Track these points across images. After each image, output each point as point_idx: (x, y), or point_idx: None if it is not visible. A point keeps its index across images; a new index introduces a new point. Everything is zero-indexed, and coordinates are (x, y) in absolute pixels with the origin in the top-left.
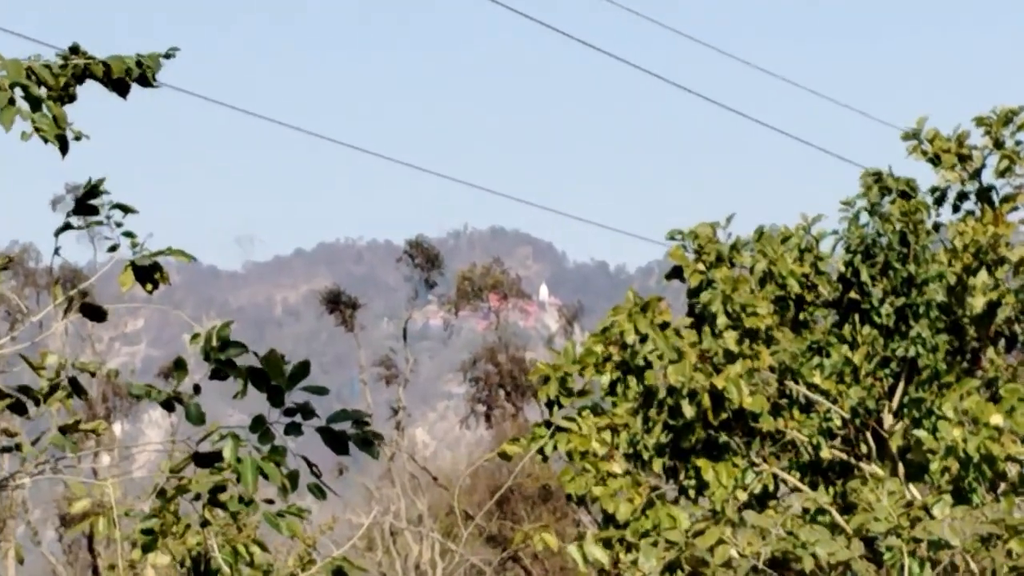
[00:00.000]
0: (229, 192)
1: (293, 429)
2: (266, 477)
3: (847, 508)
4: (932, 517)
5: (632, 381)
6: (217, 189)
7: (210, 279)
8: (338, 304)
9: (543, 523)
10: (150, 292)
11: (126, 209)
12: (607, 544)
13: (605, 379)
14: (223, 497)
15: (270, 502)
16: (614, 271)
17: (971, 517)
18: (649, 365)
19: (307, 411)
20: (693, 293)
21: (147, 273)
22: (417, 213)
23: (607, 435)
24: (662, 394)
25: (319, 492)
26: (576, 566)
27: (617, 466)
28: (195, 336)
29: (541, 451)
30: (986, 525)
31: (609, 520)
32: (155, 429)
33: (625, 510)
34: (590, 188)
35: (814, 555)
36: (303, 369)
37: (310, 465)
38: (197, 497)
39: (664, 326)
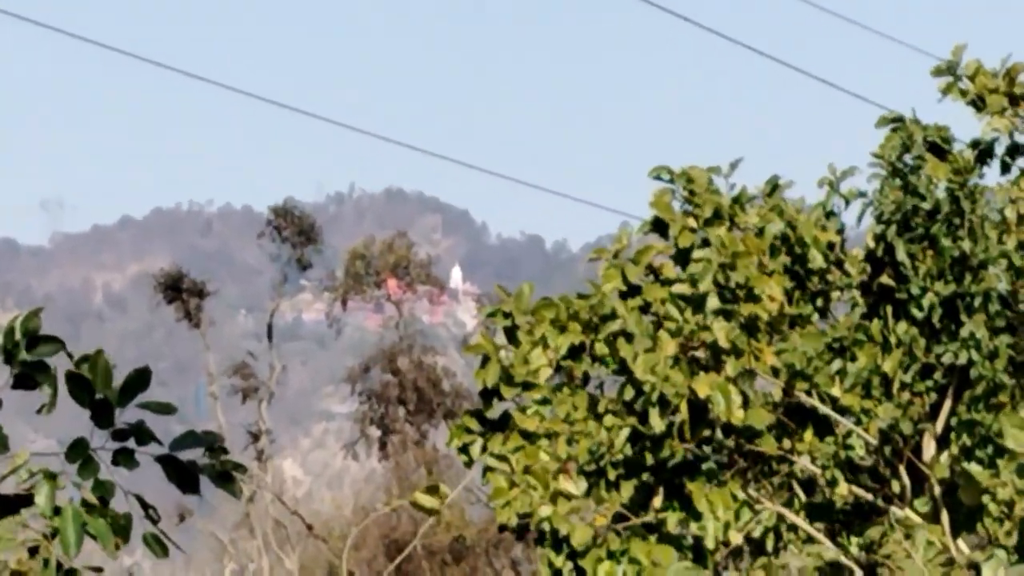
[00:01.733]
0: (31, 143)
1: (125, 458)
2: (93, 537)
3: (871, 568)
4: None
5: (600, 346)
6: (15, 138)
7: (7, 256)
8: (180, 291)
9: None
10: None
11: None
12: None
13: (564, 343)
14: (24, 567)
15: (98, 571)
16: (552, 249)
17: None
18: (613, 336)
19: (143, 433)
20: (681, 258)
21: None
22: (287, 170)
23: (560, 445)
24: (628, 395)
25: (158, 546)
26: None
27: (573, 486)
28: None
29: (466, 452)
30: None
31: (560, 546)
32: None
33: (584, 534)
34: (519, 140)
35: None
36: (141, 378)
37: (145, 508)
38: None
39: (663, 282)
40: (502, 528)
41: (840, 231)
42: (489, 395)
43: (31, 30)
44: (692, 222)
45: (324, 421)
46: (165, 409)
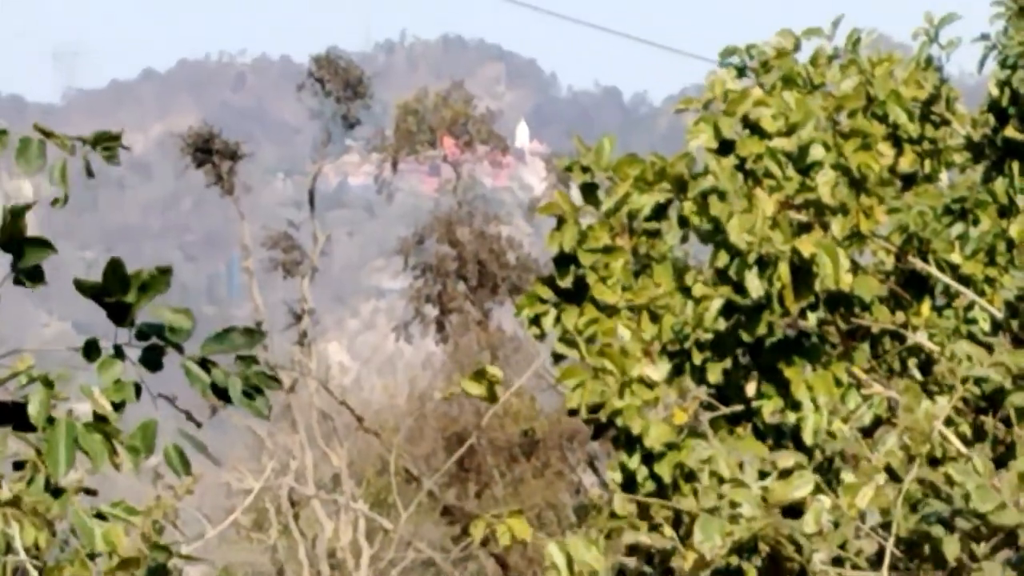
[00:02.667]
0: None
1: (150, 360)
2: (88, 456)
3: (1001, 461)
4: None
5: (689, 206)
6: None
7: (12, 115)
8: (210, 152)
9: (517, 504)
10: None
11: None
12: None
13: (648, 203)
14: (14, 485)
15: (91, 492)
16: (630, 102)
17: None
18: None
19: (178, 331)
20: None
21: None
22: (329, 15)
23: (643, 321)
24: (722, 261)
25: (181, 463)
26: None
27: (654, 370)
28: None
29: (537, 324)
30: None
31: (633, 446)
32: None
33: (660, 433)
34: None
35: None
36: (160, 279)
37: (184, 412)
38: None
39: (755, 130)
40: (571, 412)
41: (940, 85)
42: (565, 261)
43: None
44: (757, 92)
45: (374, 299)
46: (182, 317)
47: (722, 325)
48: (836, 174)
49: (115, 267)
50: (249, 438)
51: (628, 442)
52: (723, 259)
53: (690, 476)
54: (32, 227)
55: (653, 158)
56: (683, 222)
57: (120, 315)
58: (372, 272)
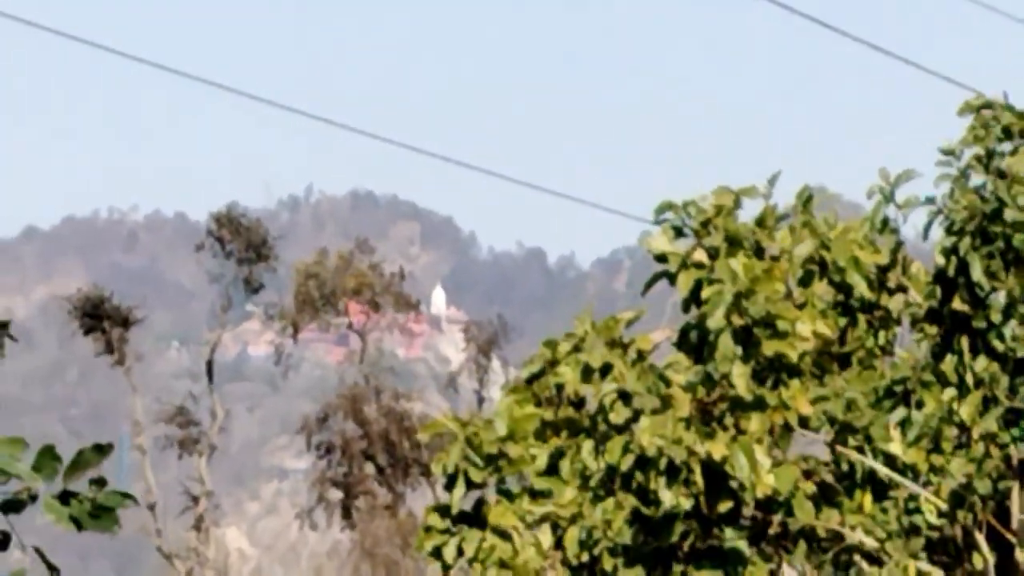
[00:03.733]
0: None
1: (12, 505)
2: None
3: None
4: None
5: (587, 449)
6: None
7: None
8: (100, 318)
9: None
10: None
11: None
12: None
13: (542, 457)
14: None
15: None
16: (556, 265)
17: None
18: (613, 427)
19: (44, 461)
20: (687, 308)
21: None
22: (229, 170)
23: (544, 533)
24: (626, 465)
25: None
26: None
27: None
28: None
29: (439, 557)
30: None
31: None
32: None
33: None
34: (513, 135)
35: None
36: (48, 460)
37: (48, 564)
38: None
39: (640, 359)
40: None
41: (896, 249)
42: (453, 481)
43: None
44: (700, 255)
45: (276, 480)
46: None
47: (629, 536)
48: (750, 366)
49: None
50: None
51: None
52: (626, 463)
53: None
54: None
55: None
56: (583, 473)
57: None
58: (274, 451)
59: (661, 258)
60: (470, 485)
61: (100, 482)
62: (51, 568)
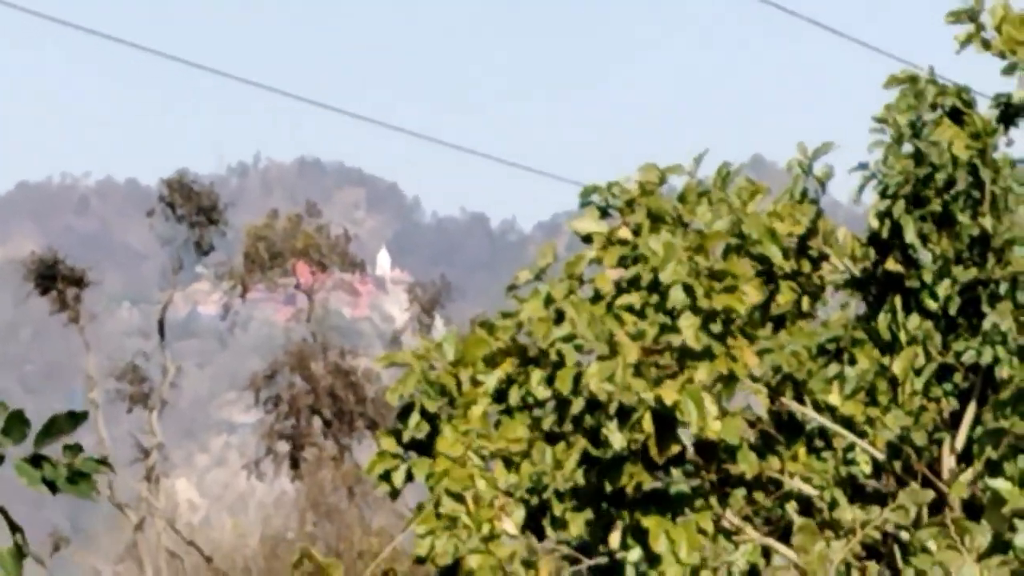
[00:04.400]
0: None
1: None
2: None
3: None
4: None
5: (536, 378)
6: None
7: None
8: (54, 279)
9: None
10: None
11: None
12: None
13: (491, 380)
14: None
15: None
16: (498, 229)
17: None
18: (559, 363)
19: (13, 425)
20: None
21: None
22: (179, 137)
23: (499, 468)
24: (577, 407)
25: (13, 563)
26: None
27: (510, 523)
28: None
29: (388, 480)
30: None
31: None
32: None
33: None
34: (458, 102)
35: None
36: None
37: (10, 523)
38: None
39: (597, 299)
40: (419, 560)
41: (816, 219)
42: (407, 411)
43: None
44: (624, 232)
45: (224, 434)
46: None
47: (581, 477)
48: (699, 317)
49: None
50: None
51: None
52: (578, 406)
53: None
54: None
55: (495, 329)
56: (529, 403)
57: None
58: (223, 406)
59: (587, 238)
60: (424, 416)
61: (75, 448)
62: (13, 528)
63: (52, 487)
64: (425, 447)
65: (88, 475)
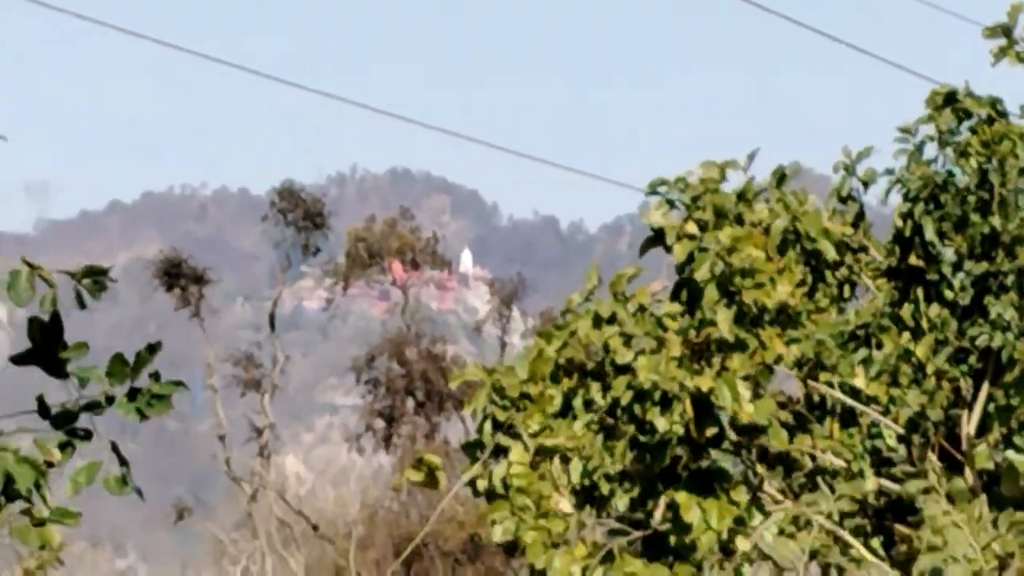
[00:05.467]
0: (14, 124)
1: (92, 405)
2: (14, 481)
3: (903, 565)
4: None
5: (595, 388)
6: None
7: None
8: (178, 277)
9: None
10: None
11: None
12: None
13: (557, 395)
14: None
15: (27, 513)
16: (567, 230)
17: None
18: (620, 369)
19: (116, 368)
20: (682, 270)
21: None
22: (285, 151)
23: (550, 467)
24: (626, 399)
25: (118, 484)
26: None
27: (565, 503)
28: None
29: (472, 485)
30: None
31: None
32: None
33: (562, 565)
34: (531, 115)
35: None
36: (55, 324)
37: (118, 455)
38: None
39: (641, 311)
40: (497, 545)
41: (859, 216)
42: (483, 421)
43: (11, 3)
44: (691, 227)
45: (327, 415)
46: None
47: (630, 461)
48: (733, 310)
49: (41, 326)
50: (212, 544)
51: (537, 574)
52: (626, 397)
53: None
54: (5, 347)
55: (560, 336)
56: (588, 404)
57: (57, 370)
58: (326, 390)
59: (657, 229)
60: (496, 424)
61: (156, 376)
62: (123, 462)
63: (141, 414)
64: (498, 450)
65: (165, 396)
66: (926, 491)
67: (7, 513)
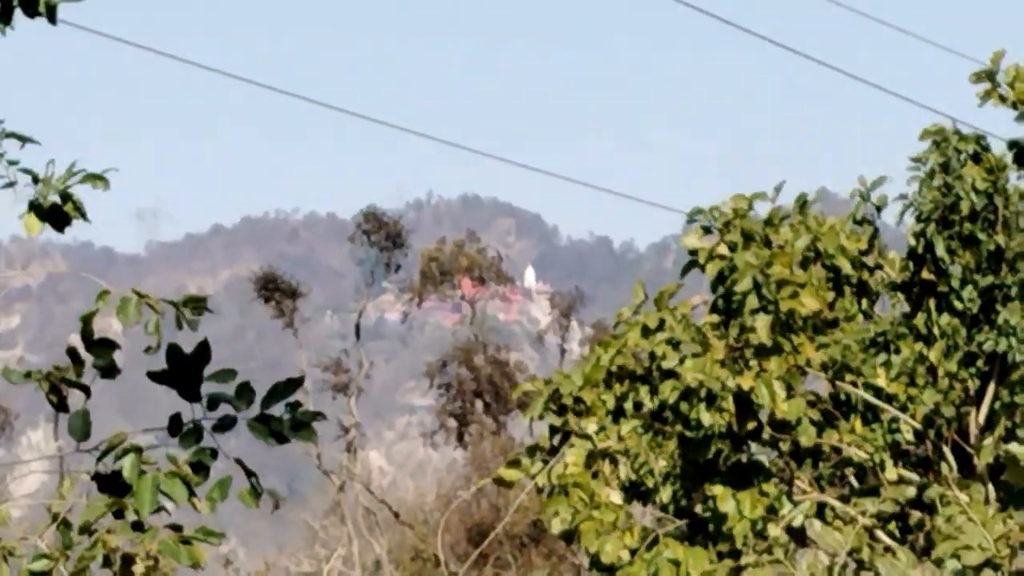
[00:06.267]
0: (127, 154)
1: (225, 423)
2: (170, 497)
3: (925, 550)
4: None
5: (643, 391)
6: (112, 149)
7: (104, 264)
8: (274, 291)
9: (541, 569)
10: (61, 231)
11: (24, 139)
12: None
13: (610, 401)
14: (118, 525)
15: (176, 528)
16: (619, 249)
17: None
18: (665, 375)
19: (243, 392)
20: (716, 287)
21: (57, 214)
22: (368, 179)
23: (603, 465)
24: (673, 399)
25: (252, 497)
26: None
27: (615, 495)
28: (103, 296)
29: (533, 477)
30: None
31: (596, 565)
32: (34, 454)
33: (613, 549)
34: (586, 145)
35: None
36: (204, 353)
37: (245, 470)
38: (85, 530)
39: (683, 319)
40: (556, 536)
41: (873, 237)
42: (553, 431)
43: (121, 48)
44: (723, 249)
45: (407, 414)
46: (233, 380)
47: (678, 455)
48: (770, 318)
49: (182, 357)
50: (304, 531)
51: (592, 562)
52: (673, 397)
53: None
54: (120, 359)
55: (614, 344)
56: (638, 406)
57: (191, 393)
58: (405, 392)
59: (693, 251)
60: (552, 429)
61: (295, 405)
62: (249, 474)
63: (280, 437)
64: (556, 451)
65: (308, 423)
66: (942, 496)
67: (154, 532)
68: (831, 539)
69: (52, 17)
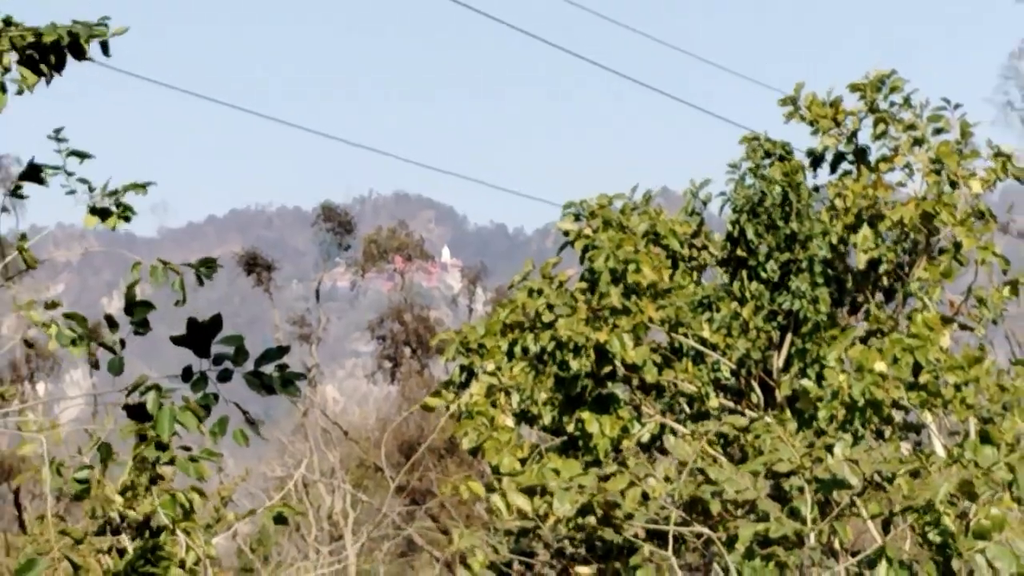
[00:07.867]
0: (143, 160)
1: (225, 375)
2: (183, 425)
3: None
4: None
5: (529, 339)
6: (131, 157)
7: (127, 245)
8: (255, 266)
9: (455, 475)
10: (113, 228)
11: (83, 155)
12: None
13: (504, 344)
14: (142, 448)
15: (186, 449)
16: (513, 233)
17: (868, 458)
18: (546, 325)
19: (240, 352)
20: (583, 259)
21: (106, 212)
22: (324, 180)
23: (500, 396)
24: (550, 347)
25: (243, 438)
26: (491, 512)
27: (509, 419)
28: (135, 266)
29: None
30: (883, 464)
31: (496, 472)
32: (76, 389)
33: (509, 462)
34: (490, 152)
35: (721, 494)
36: (216, 323)
37: (243, 412)
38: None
39: (560, 287)
40: (468, 451)
41: (700, 224)
42: (462, 370)
43: (142, 85)
44: (587, 231)
45: (354, 358)
46: (236, 340)
47: (554, 390)
48: (619, 287)
49: (191, 321)
50: (277, 445)
51: (492, 470)
52: (550, 345)
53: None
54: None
55: (509, 305)
56: (525, 351)
57: (203, 352)
58: (352, 341)
59: (567, 234)
60: (462, 368)
61: (284, 366)
62: (249, 421)
63: (269, 390)
64: (465, 385)
65: (294, 381)
66: (748, 406)
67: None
68: (682, 450)
69: (106, 50)
